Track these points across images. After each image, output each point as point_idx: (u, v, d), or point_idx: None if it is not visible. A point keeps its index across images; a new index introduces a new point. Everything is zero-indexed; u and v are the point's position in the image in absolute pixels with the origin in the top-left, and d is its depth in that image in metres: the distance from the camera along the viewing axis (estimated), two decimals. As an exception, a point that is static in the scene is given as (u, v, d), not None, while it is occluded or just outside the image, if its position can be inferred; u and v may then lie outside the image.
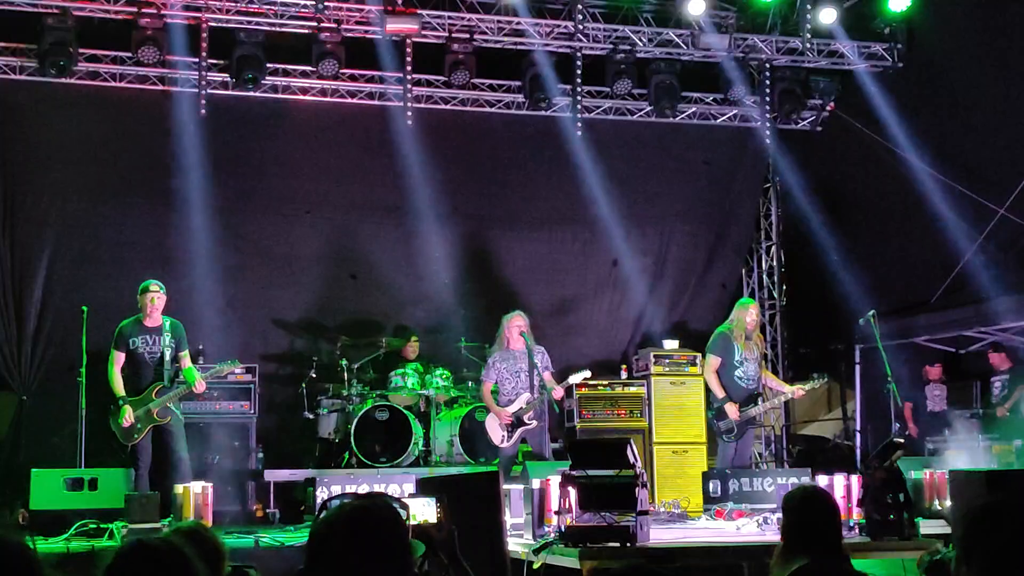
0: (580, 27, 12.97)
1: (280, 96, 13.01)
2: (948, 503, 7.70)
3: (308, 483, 10.19)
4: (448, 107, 13.48)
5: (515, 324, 10.38)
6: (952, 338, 12.71)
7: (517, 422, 10.28)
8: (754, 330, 10.41)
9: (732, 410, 10.02)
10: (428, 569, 3.96)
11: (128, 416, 9.41)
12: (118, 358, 9.60)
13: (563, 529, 6.57)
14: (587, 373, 10.94)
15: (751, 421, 10.28)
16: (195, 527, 4.10)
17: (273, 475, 11.18)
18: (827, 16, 13.18)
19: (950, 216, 12.29)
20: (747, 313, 10.38)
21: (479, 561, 4.51)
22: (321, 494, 8.88)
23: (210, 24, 12.25)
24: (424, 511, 4.58)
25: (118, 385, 9.53)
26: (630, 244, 14.09)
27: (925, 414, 12.58)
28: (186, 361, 9.76)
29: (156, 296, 9.62)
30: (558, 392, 10.28)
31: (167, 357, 9.62)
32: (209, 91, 12.43)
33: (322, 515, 2.99)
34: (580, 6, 12.86)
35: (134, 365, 9.61)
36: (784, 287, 14.74)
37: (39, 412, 11.82)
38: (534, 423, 10.28)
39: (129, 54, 12.15)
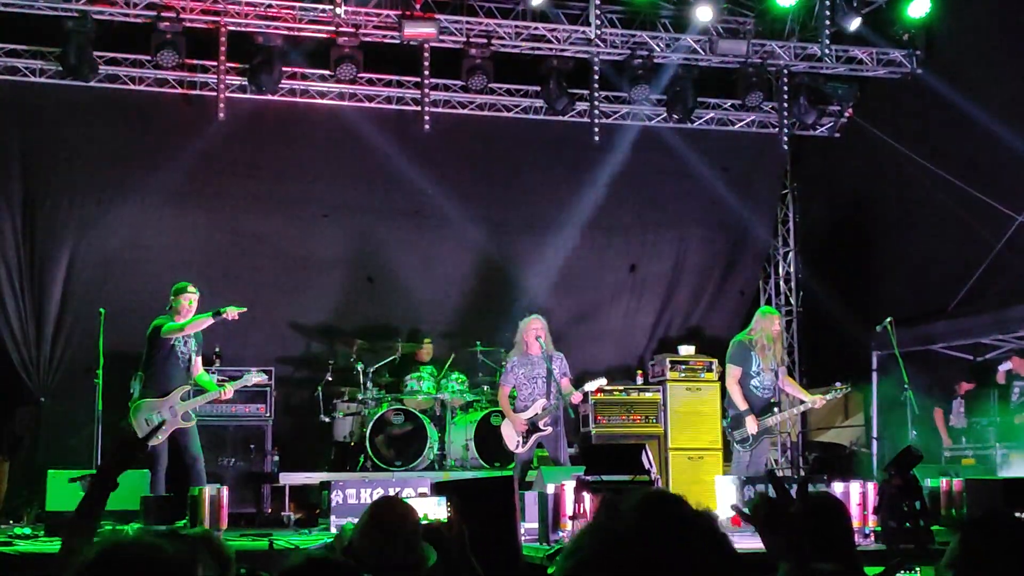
0: (598, 32, 12.94)
1: (298, 100, 13.06)
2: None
3: (323, 486, 10.20)
4: (465, 112, 13.50)
5: (532, 328, 10.30)
6: (969, 345, 12.63)
7: (532, 428, 10.22)
8: (777, 340, 10.35)
9: (752, 424, 9.95)
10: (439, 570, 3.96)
11: (232, 312, 9.46)
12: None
13: (577, 534, 6.55)
14: (602, 381, 10.88)
15: (767, 431, 10.23)
16: (204, 534, 4.08)
17: (288, 478, 11.20)
18: (852, 24, 13.01)
19: (968, 223, 12.23)
20: (771, 323, 10.28)
21: (494, 566, 4.49)
22: (336, 497, 8.87)
23: (228, 28, 12.29)
24: (437, 511, 4.58)
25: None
26: (647, 249, 14.08)
27: (947, 425, 12.51)
28: (198, 366, 9.81)
29: (194, 298, 9.68)
30: (576, 397, 10.23)
31: (193, 360, 9.71)
32: (227, 95, 12.47)
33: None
34: (598, 12, 12.84)
35: (167, 365, 9.61)
36: (802, 293, 14.70)
37: (57, 414, 11.89)
38: (548, 429, 10.21)
39: (148, 57, 12.22)
